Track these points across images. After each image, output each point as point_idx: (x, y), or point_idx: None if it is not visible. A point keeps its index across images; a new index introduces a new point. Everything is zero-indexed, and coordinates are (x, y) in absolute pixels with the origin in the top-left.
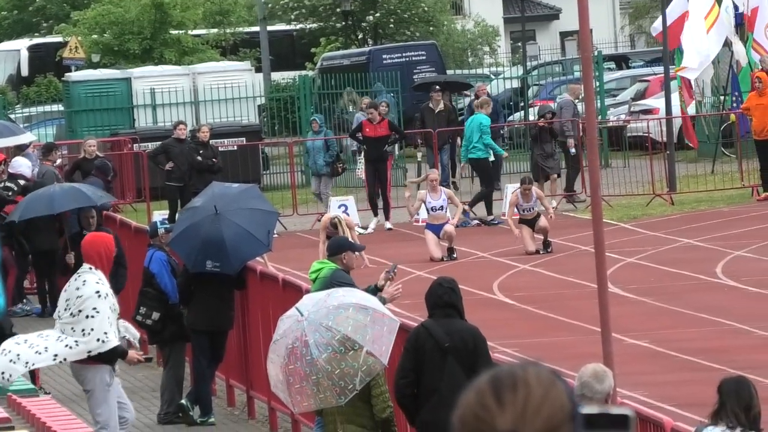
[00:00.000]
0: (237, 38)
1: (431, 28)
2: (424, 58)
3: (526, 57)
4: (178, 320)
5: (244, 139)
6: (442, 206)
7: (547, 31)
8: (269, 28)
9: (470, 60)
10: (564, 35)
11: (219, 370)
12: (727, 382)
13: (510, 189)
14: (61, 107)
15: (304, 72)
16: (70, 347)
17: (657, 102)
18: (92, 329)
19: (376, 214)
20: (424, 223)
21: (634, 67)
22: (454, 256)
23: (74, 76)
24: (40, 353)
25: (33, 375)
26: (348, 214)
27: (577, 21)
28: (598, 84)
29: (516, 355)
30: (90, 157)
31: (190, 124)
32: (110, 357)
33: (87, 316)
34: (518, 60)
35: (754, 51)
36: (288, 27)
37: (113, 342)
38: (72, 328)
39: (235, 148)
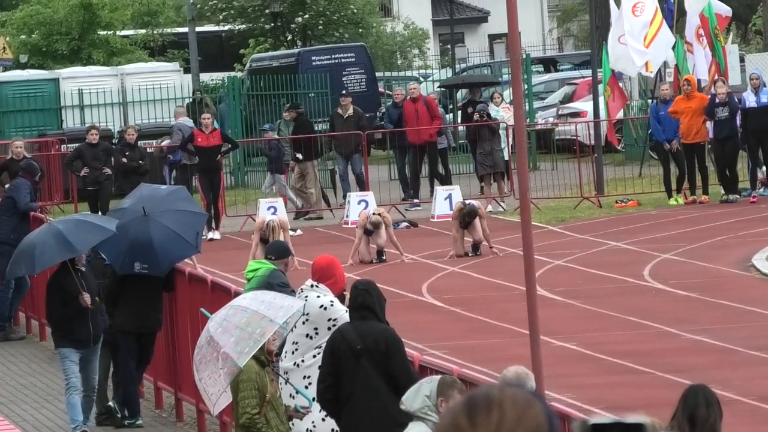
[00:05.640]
0: (165, 39)
1: (360, 30)
2: (353, 59)
3: (454, 59)
4: None
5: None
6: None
7: (475, 33)
8: (198, 29)
9: (399, 62)
10: (492, 38)
11: (147, 372)
12: (687, 388)
13: (453, 194)
14: None
15: (232, 73)
16: None
17: (585, 105)
18: None
19: (216, 227)
20: (354, 225)
21: (562, 70)
22: (384, 258)
23: (2, 76)
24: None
25: None
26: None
27: (505, 24)
28: (526, 87)
29: (445, 358)
30: (17, 158)
31: (117, 125)
32: None
33: None
34: (447, 62)
35: (688, 52)
36: (217, 28)
37: None
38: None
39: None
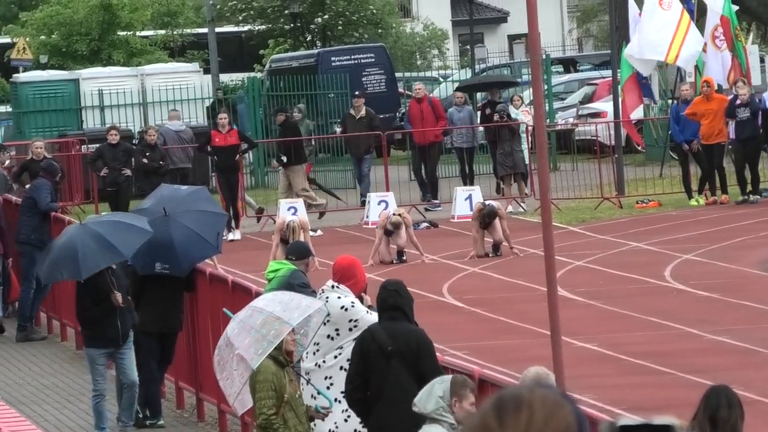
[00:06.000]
0: (185, 40)
1: (380, 31)
2: (373, 60)
3: (474, 60)
4: None
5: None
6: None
7: (495, 34)
8: (217, 29)
9: (419, 63)
10: (512, 38)
11: (168, 372)
12: (709, 388)
13: (474, 195)
14: (8, 108)
15: (252, 74)
16: None
17: (605, 105)
18: None
19: (236, 228)
20: (374, 225)
21: (582, 71)
22: (404, 258)
23: (22, 77)
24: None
25: None
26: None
27: (525, 24)
28: (546, 87)
29: (466, 358)
30: (37, 159)
31: (138, 126)
32: None
33: None
34: (467, 63)
35: (702, 51)
36: (236, 29)
37: None
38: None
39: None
